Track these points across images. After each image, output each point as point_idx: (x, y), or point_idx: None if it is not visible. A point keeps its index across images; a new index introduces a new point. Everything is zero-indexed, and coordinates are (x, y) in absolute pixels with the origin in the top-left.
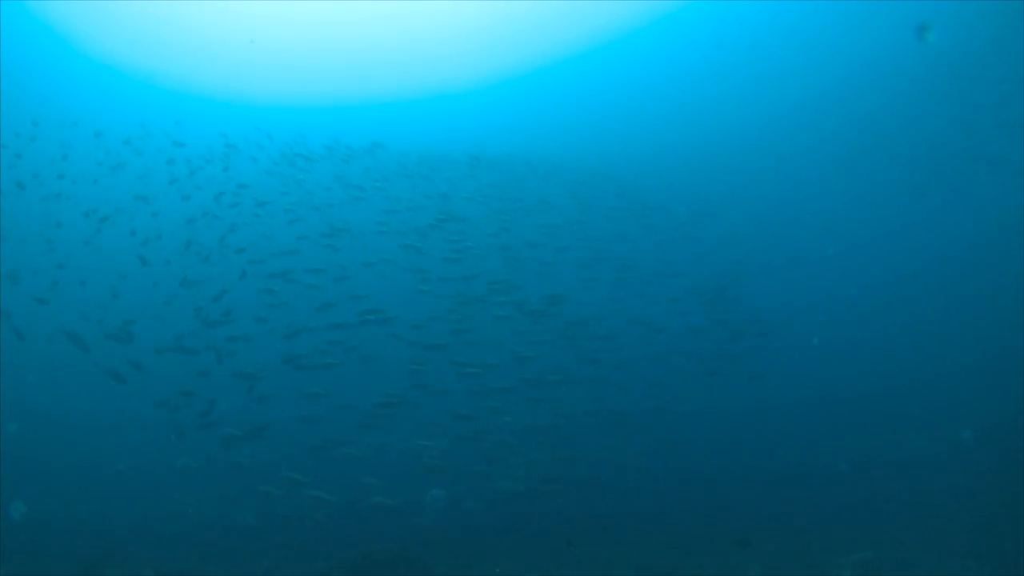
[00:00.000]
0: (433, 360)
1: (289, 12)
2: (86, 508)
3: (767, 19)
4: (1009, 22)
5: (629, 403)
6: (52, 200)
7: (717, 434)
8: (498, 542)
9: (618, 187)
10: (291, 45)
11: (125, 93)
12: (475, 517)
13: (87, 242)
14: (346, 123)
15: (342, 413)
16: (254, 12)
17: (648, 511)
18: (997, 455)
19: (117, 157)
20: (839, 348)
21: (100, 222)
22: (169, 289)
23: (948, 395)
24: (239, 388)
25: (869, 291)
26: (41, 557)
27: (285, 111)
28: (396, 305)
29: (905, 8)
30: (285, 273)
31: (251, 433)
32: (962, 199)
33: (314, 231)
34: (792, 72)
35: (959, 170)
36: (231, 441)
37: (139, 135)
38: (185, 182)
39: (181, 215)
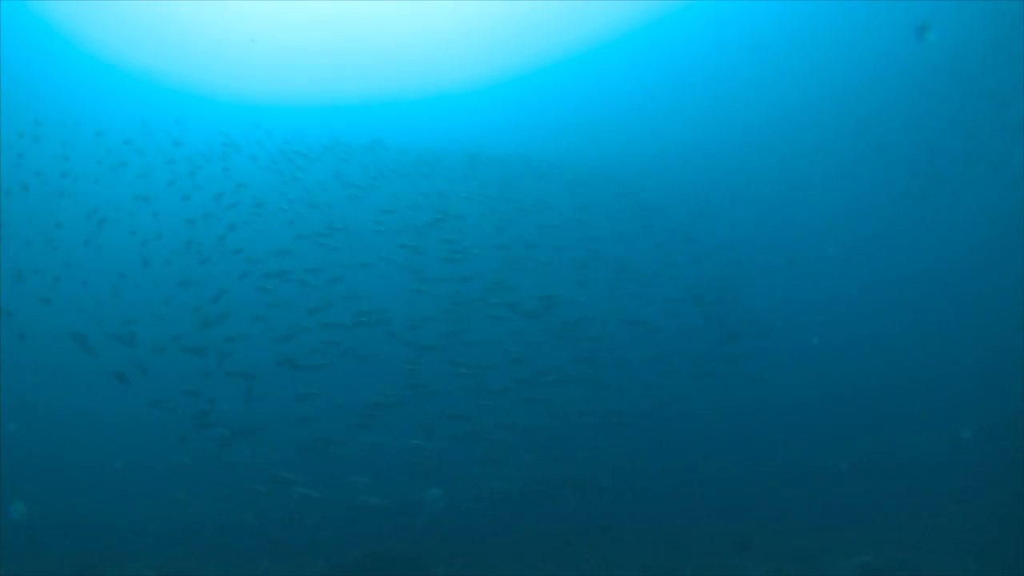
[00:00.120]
0: (429, 360)
1: (290, 12)
2: (86, 508)
3: (766, 20)
4: (1009, 24)
5: (627, 403)
6: (54, 200)
7: (715, 435)
8: (498, 542)
9: (617, 187)
10: (292, 45)
11: (126, 92)
12: (475, 517)
13: (87, 242)
14: (346, 122)
15: (338, 413)
16: (255, 11)
17: (648, 512)
18: (997, 456)
19: (118, 156)
20: (838, 349)
21: (99, 224)
22: (168, 289)
23: (948, 396)
24: (237, 388)
25: (868, 293)
26: (41, 557)
27: (286, 110)
28: (392, 305)
29: (904, 9)
30: (283, 273)
31: (250, 433)
32: (961, 201)
33: (312, 230)
34: (792, 73)
35: (958, 172)
36: (229, 441)
37: (140, 134)
38: (185, 181)
39: (181, 215)
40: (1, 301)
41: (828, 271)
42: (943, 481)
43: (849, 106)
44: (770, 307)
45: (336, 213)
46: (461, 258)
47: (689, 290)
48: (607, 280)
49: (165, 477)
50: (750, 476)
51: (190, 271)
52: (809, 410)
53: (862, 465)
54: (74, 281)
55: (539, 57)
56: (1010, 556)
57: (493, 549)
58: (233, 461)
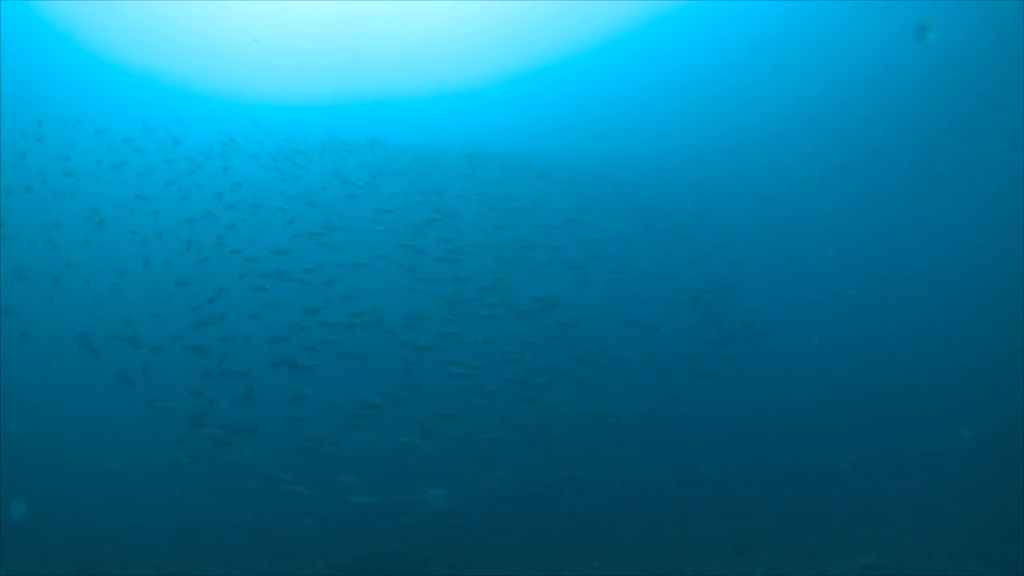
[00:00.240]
0: (426, 360)
1: (292, 11)
2: (86, 507)
3: (765, 20)
4: (1008, 26)
5: (625, 404)
6: (56, 199)
7: (715, 436)
8: (497, 543)
9: (616, 187)
10: (293, 44)
11: (127, 90)
12: (475, 517)
13: (87, 241)
14: (346, 120)
15: (334, 413)
16: (256, 10)
17: (647, 513)
18: (997, 457)
19: (118, 155)
20: (837, 351)
21: (98, 225)
22: (167, 289)
23: (948, 396)
24: (235, 388)
25: (868, 294)
26: (41, 556)
27: (286, 109)
28: (389, 304)
29: (903, 10)
30: (281, 272)
31: (248, 433)
32: (961, 203)
33: (311, 229)
34: (791, 74)
35: (958, 173)
36: (228, 441)
37: (140, 132)
38: (185, 180)
39: (181, 214)
40: (2, 300)
41: (827, 272)
42: (943, 482)
43: (848, 107)
44: (770, 308)
45: (335, 212)
46: (459, 258)
47: (688, 291)
48: (605, 280)
49: (165, 477)
50: (750, 477)
51: (189, 271)
52: (809, 411)
53: (862, 466)
54: (75, 281)
55: (539, 57)
56: (1011, 557)
57: (493, 549)
58: (232, 461)
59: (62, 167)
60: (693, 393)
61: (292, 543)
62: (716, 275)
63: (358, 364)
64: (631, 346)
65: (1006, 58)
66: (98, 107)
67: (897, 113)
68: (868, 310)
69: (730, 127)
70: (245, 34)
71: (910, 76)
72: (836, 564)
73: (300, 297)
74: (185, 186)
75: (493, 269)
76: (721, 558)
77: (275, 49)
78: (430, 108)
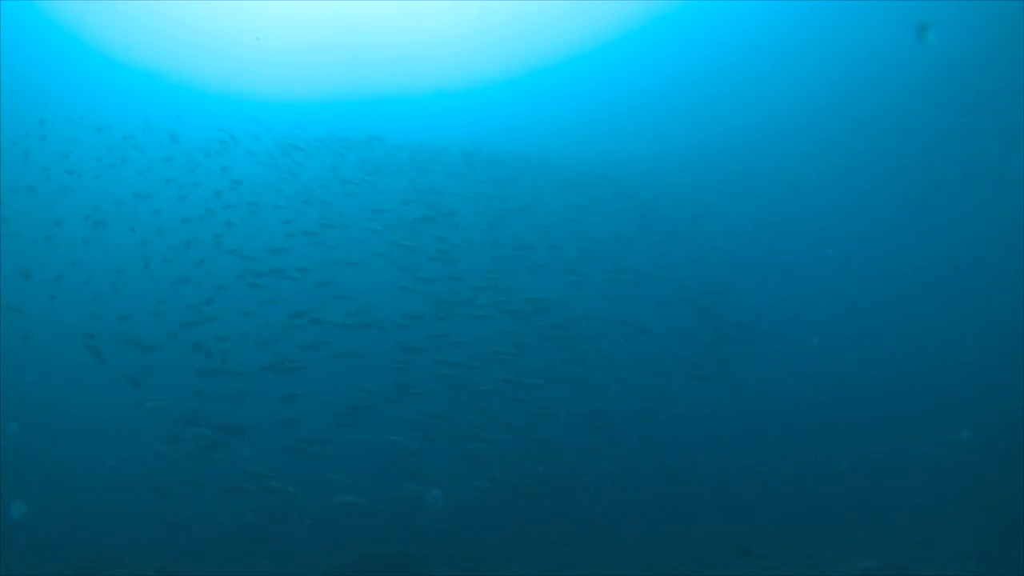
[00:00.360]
0: (419, 360)
1: (294, 9)
2: (86, 507)
3: (764, 21)
4: (1008, 26)
5: (623, 404)
6: (58, 198)
7: (711, 438)
8: (498, 543)
9: (614, 187)
10: (294, 41)
11: (128, 87)
12: (475, 518)
13: (87, 241)
14: (345, 117)
15: (325, 412)
16: (257, 9)
17: (647, 514)
18: (996, 458)
19: (118, 153)
20: (836, 353)
21: (98, 224)
22: (165, 288)
23: (947, 398)
24: (232, 387)
25: (866, 296)
26: (41, 556)
27: (287, 106)
28: (383, 302)
29: (902, 12)
30: (278, 271)
31: (245, 432)
32: (960, 205)
33: (308, 227)
34: (790, 75)
35: (957, 175)
36: (226, 440)
37: (140, 130)
38: (184, 178)
39: (179, 212)
40: (4, 299)
41: (827, 273)
42: (943, 482)
43: (848, 108)
44: (768, 309)
45: (332, 210)
46: (455, 258)
47: (686, 292)
48: (601, 281)
49: (164, 476)
50: (749, 479)
51: (186, 270)
52: (808, 413)
53: (862, 467)
54: (75, 280)
55: (539, 57)
56: (1011, 557)
57: (493, 550)
58: (228, 460)
59: (63, 165)
60: (690, 394)
61: (292, 543)
62: (715, 276)
63: (351, 363)
64: (628, 347)
65: (1006, 59)
66: (99, 104)
67: (897, 114)
68: (867, 311)
69: (729, 128)
70: (246, 31)
71: (910, 77)
72: (837, 567)
73: (295, 296)
74: (184, 184)
75: (489, 268)
76: (721, 560)
77: (277, 46)
78: (430, 106)
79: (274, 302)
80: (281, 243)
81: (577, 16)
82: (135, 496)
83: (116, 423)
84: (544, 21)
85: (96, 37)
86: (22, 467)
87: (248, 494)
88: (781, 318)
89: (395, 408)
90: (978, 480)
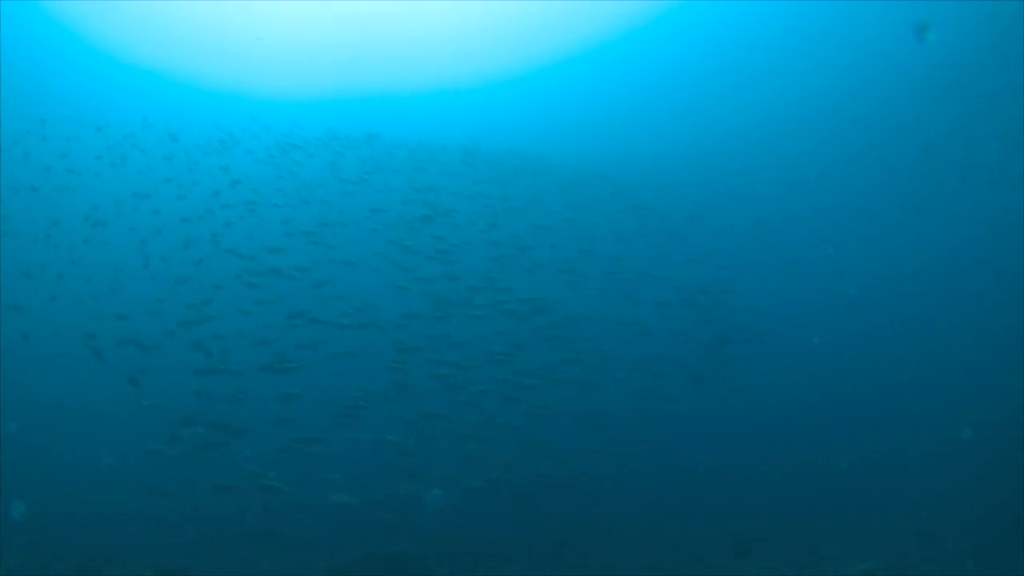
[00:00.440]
0: (414, 359)
1: (296, 8)
2: (85, 506)
3: (763, 21)
4: (1007, 29)
5: (620, 404)
6: (58, 198)
7: (710, 439)
8: (498, 543)
9: (613, 187)
10: (295, 40)
11: (129, 86)
12: (475, 518)
13: (87, 240)
14: (345, 116)
15: (325, 412)
16: (259, 7)
17: (646, 514)
18: (995, 460)
19: (118, 152)
20: (834, 355)
21: (94, 226)
22: (163, 287)
23: (946, 397)
24: (227, 386)
25: (864, 298)
26: (40, 556)
27: (287, 104)
28: (380, 302)
29: (902, 14)
30: (274, 270)
31: (240, 432)
32: (959, 206)
33: (306, 226)
34: (789, 76)
35: (956, 177)
36: (218, 440)
37: (140, 128)
38: (184, 176)
39: (178, 211)
40: (5, 298)
41: (825, 274)
42: (944, 484)
43: (847, 109)
44: (767, 310)
45: (331, 208)
46: (453, 258)
47: (683, 292)
48: (599, 280)
49: (163, 476)
50: (749, 480)
51: (185, 269)
52: (807, 414)
53: (862, 468)
54: (75, 279)
55: (539, 56)
56: (1011, 557)
57: (493, 550)
58: (226, 459)
59: (63, 164)
60: (689, 395)
61: (292, 542)
62: (713, 277)
63: (349, 362)
64: (626, 347)
65: (1005, 60)
66: (99, 103)
67: (896, 115)
68: (865, 312)
69: (728, 128)
70: (246, 30)
71: (909, 77)
72: (837, 568)
73: (294, 295)
74: (184, 183)
75: (487, 268)
76: (720, 560)
77: (277, 45)
78: (429, 105)
79: (272, 301)
80: (279, 242)
81: (576, 16)
82: (134, 495)
83: (114, 422)
84: (544, 21)
85: (97, 35)
86: (20, 466)
87: (246, 493)
88: (780, 318)
89: (392, 407)
90: (978, 480)
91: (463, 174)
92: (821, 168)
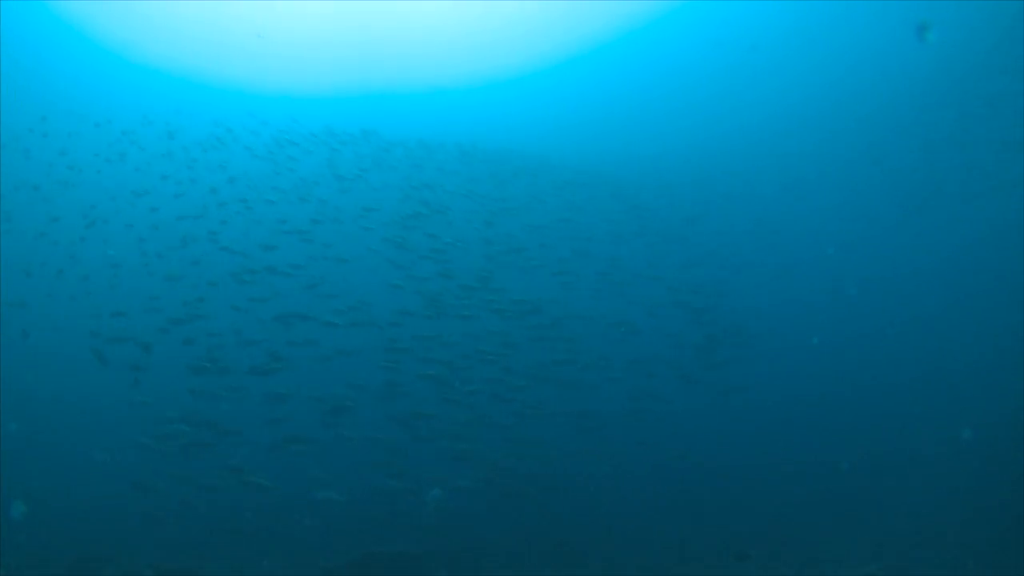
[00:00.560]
0: (410, 358)
1: (298, 6)
2: (82, 505)
3: (762, 22)
4: (1006, 32)
5: (616, 405)
6: (58, 194)
7: (707, 441)
8: (496, 544)
9: (611, 187)
10: (296, 37)
11: (128, 82)
12: (473, 518)
13: (83, 238)
14: (344, 113)
15: (311, 410)
16: (257, 5)
17: (644, 516)
18: (994, 462)
19: (117, 148)
20: (830, 356)
21: (92, 223)
22: (159, 285)
23: (945, 401)
24: (219, 385)
25: (861, 300)
26: (38, 554)
27: (286, 101)
28: (374, 300)
29: (901, 16)
30: (269, 268)
31: (232, 431)
32: (957, 208)
33: (301, 224)
34: (788, 77)
35: (956, 179)
36: (222, 438)
37: (140, 124)
38: (182, 174)
39: (176, 209)
40: (5, 295)
41: (822, 277)
42: (943, 485)
43: (845, 111)
44: (764, 311)
45: (327, 206)
46: (448, 256)
47: (678, 293)
48: (595, 281)
49: (160, 474)
50: (746, 483)
51: (181, 267)
52: (805, 416)
53: (861, 471)
54: (73, 276)
55: (539, 56)
56: (1011, 557)
57: (491, 550)
58: (224, 458)
59: (63, 161)
60: (685, 397)
61: (291, 542)
62: (710, 279)
63: (342, 361)
64: (620, 347)
65: (1005, 62)
66: (98, 99)
67: (895, 117)
68: (863, 314)
69: (727, 129)
70: (247, 27)
71: (908, 80)
72: (838, 571)
73: (288, 293)
74: (181, 180)
75: (482, 267)
76: (718, 563)
77: (277, 41)
78: (428, 104)
79: (267, 299)
80: (275, 240)
81: (576, 16)
82: (132, 494)
83: (110, 421)
84: (543, 21)
85: (99, 32)
86: (17, 465)
87: (243, 492)
88: (776, 320)
89: (385, 406)
90: (978, 480)
91: (460, 172)
92: (819, 170)
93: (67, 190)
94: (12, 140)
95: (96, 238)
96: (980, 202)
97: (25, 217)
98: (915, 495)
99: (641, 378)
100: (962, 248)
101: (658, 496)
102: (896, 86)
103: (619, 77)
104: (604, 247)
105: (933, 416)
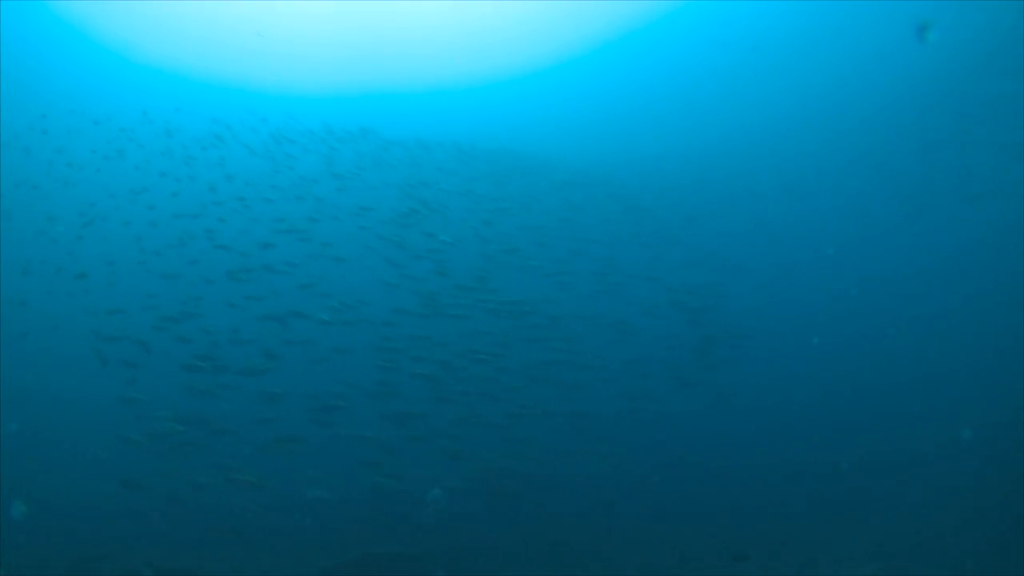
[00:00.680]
0: (404, 358)
1: (300, 5)
2: (82, 504)
3: (762, 23)
4: (1006, 37)
5: (615, 405)
6: (58, 193)
7: (706, 442)
8: (495, 544)
9: (609, 188)
10: (297, 35)
11: (127, 80)
12: (472, 519)
13: (81, 237)
14: (343, 111)
15: (309, 410)
16: (257, 3)
17: (643, 517)
18: (994, 464)
19: (116, 146)
20: (827, 357)
21: (90, 221)
22: (156, 283)
23: (945, 396)
24: (221, 383)
25: (859, 302)
26: (37, 553)
27: (285, 99)
28: (371, 299)
29: (900, 22)
30: (267, 267)
31: (238, 429)
32: (955, 213)
33: (298, 222)
34: (787, 78)
35: (953, 184)
36: (218, 437)
37: (139, 122)
38: (180, 171)
39: (174, 207)
40: (5, 293)
41: (820, 279)
42: (942, 486)
43: (844, 112)
44: (762, 313)
45: (324, 204)
46: (445, 256)
47: (680, 294)
48: (591, 281)
49: (158, 473)
50: (745, 484)
51: (177, 265)
52: (803, 417)
53: (861, 472)
54: (70, 274)
55: (539, 57)
56: (1011, 557)
57: (490, 551)
58: (221, 457)
59: (62, 159)
60: (682, 398)
61: (293, 542)
62: (707, 280)
63: (337, 359)
64: (616, 348)
65: (1004, 66)
66: (97, 97)
67: (894, 120)
68: (860, 316)
69: (725, 131)
70: (247, 25)
71: (908, 84)
72: (838, 572)
73: (283, 291)
74: (180, 178)
75: (479, 266)
76: (716, 564)
77: (278, 39)
78: (427, 103)
79: (263, 298)
80: (272, 238)
81: (574, 17)
82: (129, 493)
83: (106, 419)
84: (542, 21)
85: (97, 30)
86: (15, 464)
87: (238, 492)
88: (772, 321)
89: (380, 404)
90: (978, 480)
91: (458, 171)
92: (817, 172)
93: (66, 188)
94: (12, 138)
95: (94, 236)
96: (979, 204)
97: (24, 215)
98: (914, 495)
99: (637, 379)
100: (960, 250)
101: (655, 497)
102: (895, 88)
103: (617, 78)
104: (601, 247)
105: (933, 416)
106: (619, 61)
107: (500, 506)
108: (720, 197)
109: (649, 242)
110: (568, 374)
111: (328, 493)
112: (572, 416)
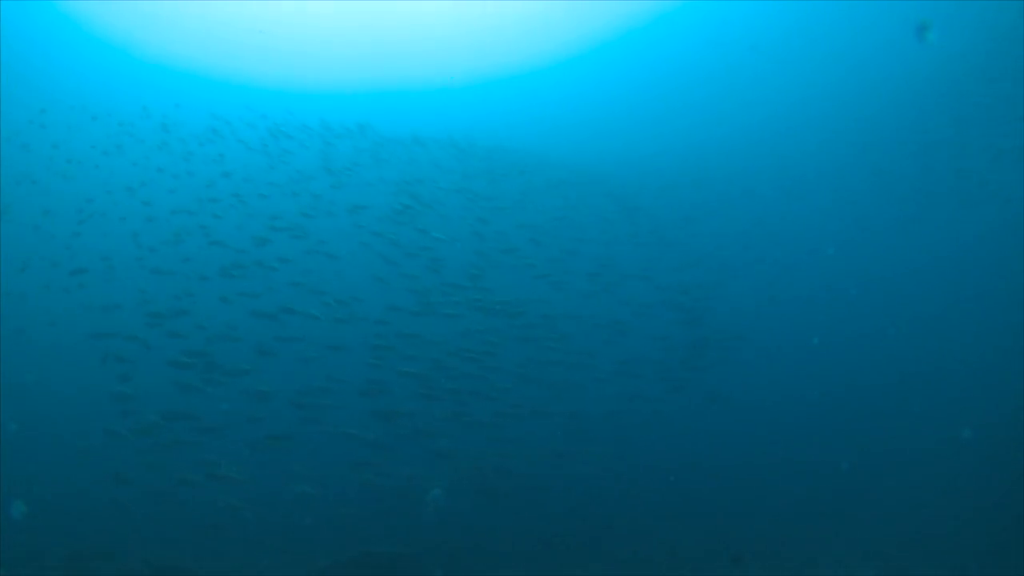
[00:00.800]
0: (391, 356)
1: (299, 3)
2: (79, 501)
3: (761, 23)
4: (1005, 39)
5: (613, 406)
6: (56, 189)
7: (703, 443)
8: (494, 545)
9: (605, 187)
10: (298, 33)
11: (126, 74)
12: (471, 519)
13: (77, 233)
14: (341, 108)
15: (301, 408)
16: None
17: (641, 518)
18: (994, 464)
19: (114, 141)
20: (825, 358)
21: (82, 222)
22: (151, 279)
23: (945, 397)
24: (214, 380)
25: (856, 302)
26: (33, 551)
27: (283, 94)
28: (365, 296)
29: (899, 24)
30: (259, 263)
31: (232, 426)
32: (953, 214)
33: (293, 219)
34: (786, 79)
35: (950, 186)
36: (212, 435)
37: (138, 117)
38: (178, 167)
39: (170, 202)
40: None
41: (817, 279)
42: (942, 486)
43: (843, 113)
44: (756, 315)
45: (321, 200)
46: (439, 254)
47: (675, 295)
48: (585, 281)
49: (154, 471)
50: (743, 486)
51: (173, 262)
52: (801, 418)
53: (860, 473)
54: (66, 270)
55: (538, 55)
56: (1011, 557)
57: (488, 551)
58: (216, 454)
59: (60, 154)
60: (674, 398)
61: (291, 541)
62: (703, 281)
63: (331, 356)
64: (609, 348)
65: (1003, 69)
66: (96, 92)
67: (893, 121)
68: (858, 317)
69: (723, 132)
70: (247, 22)
71: (906, 86)
72: (837, 572)
73: (276, 288)
74: (178, 173)
75: (472, 264)
76: (714, 566)
77: (278, 36)
78: (425, 100)
79: (257, 295)
80: (266, 235)
81: (572, 16)
82: (126, 491)
83: (100, 415)
84: (540, 20)
85: (96, 25)
86: (12, 462)
87: (233, 490)
88: (767, 322)
89: (370, 402)
90: (978, 480)
91: (454, 169)
92: (814, 173)
93: (65, 184)
94: (11, 134)
95: (92, 232)
96: (976, 207)
97: (22, 210)
98: (914, 495)
99: (630, 379)
100: (958, 253)
101: (648, 498)
102: (894, 90)
103: (615, 77)
104: (596, 247)
105: (932, 417)
106: (616, 60)
107: (491, 506)
108: (717, 197)
109: (644, 242)
110: (561, 374)
111: (317, 490)
112: (565, 416)
